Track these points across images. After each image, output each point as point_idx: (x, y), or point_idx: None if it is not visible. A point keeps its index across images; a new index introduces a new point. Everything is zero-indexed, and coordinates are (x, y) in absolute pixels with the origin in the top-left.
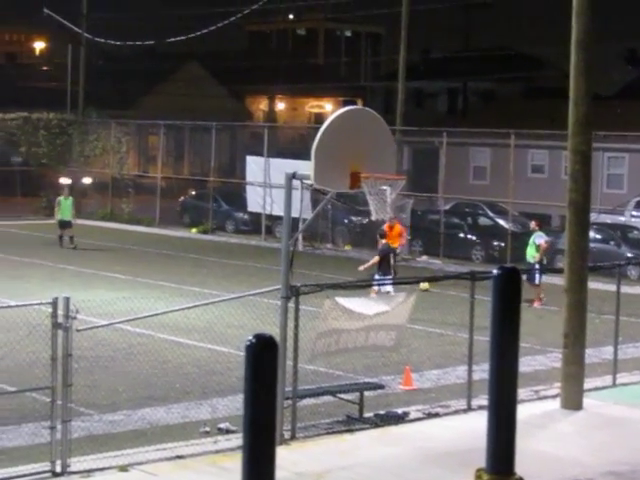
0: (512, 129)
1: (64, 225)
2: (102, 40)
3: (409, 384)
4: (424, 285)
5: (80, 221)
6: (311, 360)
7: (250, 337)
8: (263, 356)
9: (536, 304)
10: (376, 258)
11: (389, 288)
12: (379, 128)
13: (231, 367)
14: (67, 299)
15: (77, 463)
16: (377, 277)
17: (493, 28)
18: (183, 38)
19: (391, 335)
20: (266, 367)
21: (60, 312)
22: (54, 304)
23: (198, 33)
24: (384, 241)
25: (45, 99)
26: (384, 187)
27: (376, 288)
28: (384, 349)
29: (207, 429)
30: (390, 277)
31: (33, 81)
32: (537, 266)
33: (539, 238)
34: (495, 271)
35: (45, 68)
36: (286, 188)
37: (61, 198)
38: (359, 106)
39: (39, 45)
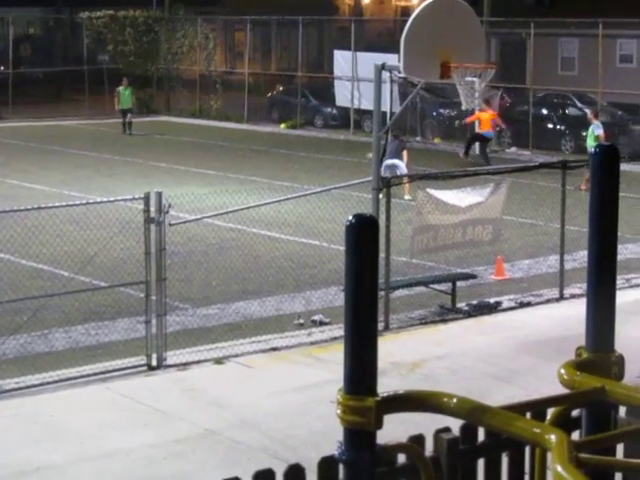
0: (600, 18)
1: (125, 113)
2: None
3: (501, 274)
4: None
5: (169, 118)
6: (411, 257)
7: (349, 217)
8: (364, 234)
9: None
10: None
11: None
12: (468, 17)
13: (324, 260)
14: (159, 194)
15: (173, 356)
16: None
17: None
18: None
19: (488, 229)
20: (368, 245)
21: (152, 208)
22: (146, 199)
23: None
24: None
25: None
26: (473, 77)
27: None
28: (482, 244)
29: (301, 321)
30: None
31: None
32: None
33: (597, 129)
34: (593, 149)
35: None
36: (375, 80)
37: (120, 88)
38: None
39: None
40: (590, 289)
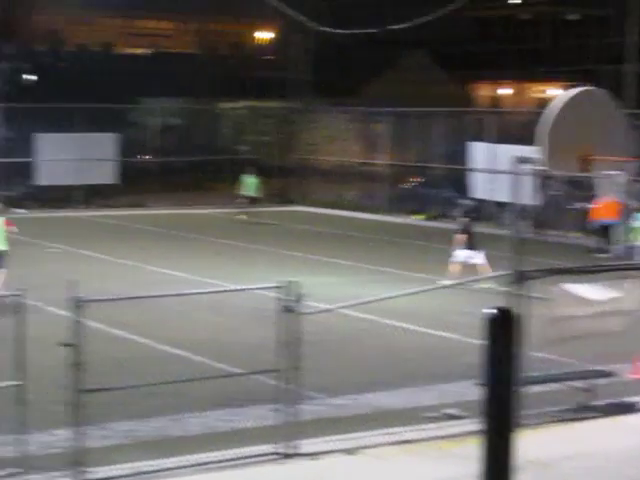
0: None
1: (250, 200)
2: (328, 29)
3: None
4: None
5: (305, 208)
6: (543, 347)
7: (490, 310)
8: (503, 327)
9: None
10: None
11: (477, 260)
12: (610, 109)
13: (458, 353)
14: (295, 283)
15: (305, 445)
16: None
17: None
18: (407, 25)
19: (620, 320)
20: (507, 339)
21: (287, 297)
22: (282, 288)
23: (422, 19)
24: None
25: (269, 88)
26: (616, 171)
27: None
28: (611, 333)
29: (434, 414)
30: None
31: (257, 71)
32: None
33: (637, 221)
34: None
35: (269, 57)
36: (514, 172)
37: (246, 177)
38: (589, 87)
39: (263, 35)
40: None
